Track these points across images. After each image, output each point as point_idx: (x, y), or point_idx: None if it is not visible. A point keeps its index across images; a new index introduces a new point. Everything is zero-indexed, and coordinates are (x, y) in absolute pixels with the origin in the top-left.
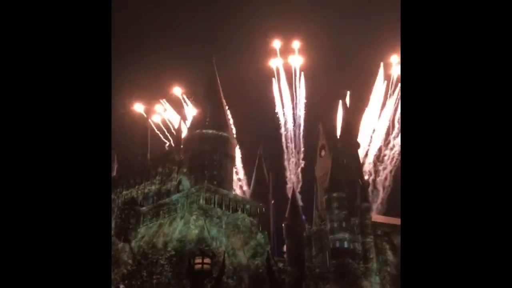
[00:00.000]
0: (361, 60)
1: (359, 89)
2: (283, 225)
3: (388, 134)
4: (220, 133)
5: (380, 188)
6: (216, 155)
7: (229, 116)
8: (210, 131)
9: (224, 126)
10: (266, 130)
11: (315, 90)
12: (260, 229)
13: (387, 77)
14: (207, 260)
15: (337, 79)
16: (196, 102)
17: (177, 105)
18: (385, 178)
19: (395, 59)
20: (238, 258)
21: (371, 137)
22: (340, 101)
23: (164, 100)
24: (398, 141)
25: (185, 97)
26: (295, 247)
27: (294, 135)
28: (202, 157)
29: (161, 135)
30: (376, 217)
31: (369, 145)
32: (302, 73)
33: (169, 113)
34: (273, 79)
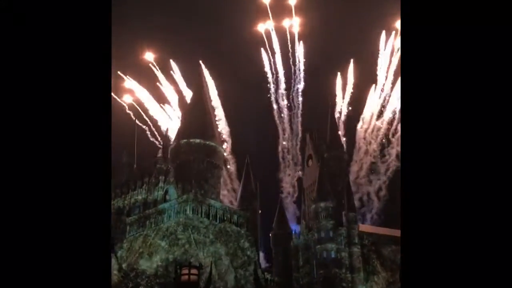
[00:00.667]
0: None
1: (363, 59)
2: (270, 234)
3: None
4: (208, 142)
5: (375, 198)
6: (203, 165)
7: (221, 125)
8: (198, 141)
9: (212, 135)
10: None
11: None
12: (248, 239)
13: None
14: (194, 271)
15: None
16: (183, 109)
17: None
18: (380, 188)
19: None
20: (225, 268)
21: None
22: (329, 111)
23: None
24: (393, 151)
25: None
26: (282, 257)
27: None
28: (189, 166)
29: (150, 135)
30: (363, 227)
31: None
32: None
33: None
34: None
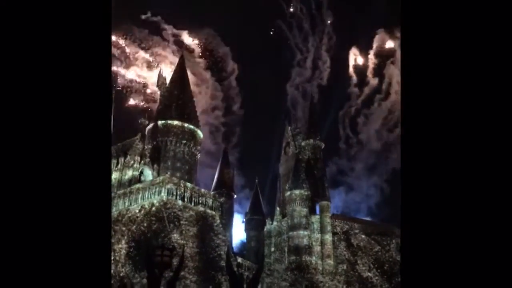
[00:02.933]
0: None
1: None
2: (244, 219)
3: None
4: (186, 125)
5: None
6: (180, 147)
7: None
8: (176, 122)
9: (191, 117)
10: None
11: None
12: (222, 223)
13: None
14: (166, 253)
15: None
16: (163, 89)
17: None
18: None
19: None
20: (197, 251)
21: None
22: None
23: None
24: None
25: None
26: (255, 242)
27: None
28: (166, 148)
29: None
30: (335, 216)
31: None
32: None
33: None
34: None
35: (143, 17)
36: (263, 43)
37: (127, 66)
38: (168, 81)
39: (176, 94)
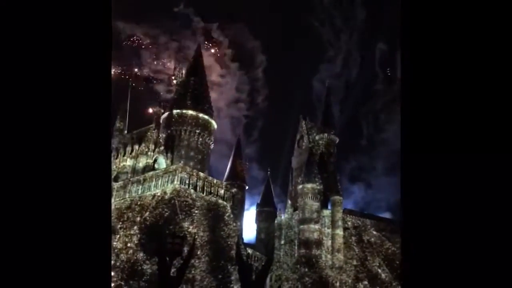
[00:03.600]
0: None
1: None
2: (255, 211)
3: None
4: (201, 115)
5: None
6: (194, 137)
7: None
8: (190, 112)
9: (205, 108)
10: None
11: None
12: (233, 214)
13: None
14: (177, 241)
15: None
16: (179, 78)
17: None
18: None
19: None
20: (208, 240)
21: None
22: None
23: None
24: None
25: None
26: (265, 234)
27: None
28: (180, 137)
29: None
30: (346, 211)
31: None
32: None
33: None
34: None
35: (176, 9)
36: (292, 37)
37: (156, 57)
38: (184, 71)
39: (192, 84)
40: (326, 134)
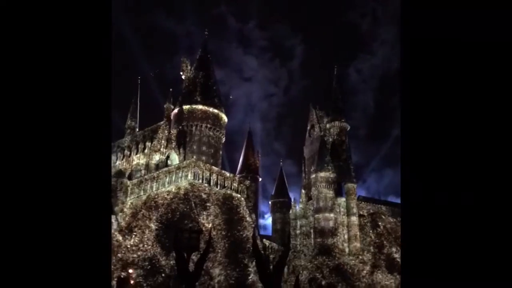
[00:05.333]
0: None
1: None
2: (269, 202)
3: None
4: (211, 109)
5: None
6: (205, 131)
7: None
8: (200, 107)
9: (215, 102)
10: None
11: None
12: (247, 206)
13: None
14: (194, 235)
15: None
16: (187, 74)
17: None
18: None
19: None
20: (224, 233)
21: None
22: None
23: None
24: None
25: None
26: (281, 225)
27: None
28: (191, 132)
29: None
30: (361, 198)
31: None
32: None
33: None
34: None
35: (214, 11)
36: (332, 30)
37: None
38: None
39: (200, 79)
40: (337, 122)
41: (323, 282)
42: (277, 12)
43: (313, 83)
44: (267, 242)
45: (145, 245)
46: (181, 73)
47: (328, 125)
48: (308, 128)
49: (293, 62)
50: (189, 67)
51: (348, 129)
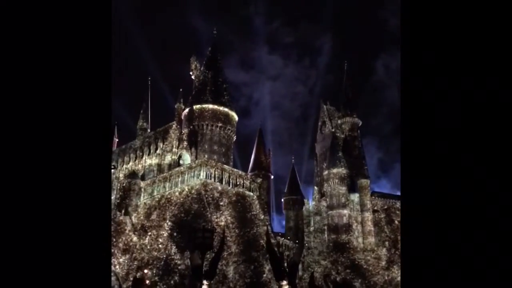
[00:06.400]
0: None
1: None
2: (282, 200)
3: None
4: (221, 108)
5: None
6: (216, 130)
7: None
8: (210, 106)
9: (225, 101)
10: None
11: None
12: (260, 204)
13: None
14: (208, 235)
15: None
16: (197, 73)
17: None
18: None
19: None
20: (238, 232)
21: None
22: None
23: None
24: None
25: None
26: (294, 222)
27: None
28: (202, 132)
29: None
30: (375, 193)
31: None
32: None
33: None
34: None
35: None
36: (359, 25)
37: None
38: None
39: (210, 78)
40: (348, 118)
41: (338, 279)
42: (303, 10)
43: (338, 81)
44: (281, 239)
45: (160, 245)
46: (190, 72)
47: (339, 121)
48: (319, 124)
49: (320, 60)
50: (198, 66)
51: (360, 124)
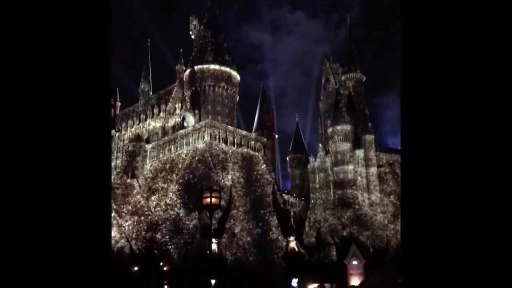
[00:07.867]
0: None
1: None
2: (287, 158)
3: None
4: (222, 68)
5: None
6: (219, 91)
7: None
8: (212, 66)
9: (226, 60)
10: None
11: None
12: (265, 163)
13: None
14: (215, 194)
15: None
16: (196, 34)
17: None
18: None
19: None
20: (244, 191)
21: None
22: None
23: None
24: None
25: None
26: (300, 179)
27: None
28: (205, 92)
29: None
30: (380, 149)
31: None
32: None
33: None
34: None
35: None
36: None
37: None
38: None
39: (210, 39)
40: (352, 74)
41: (344, 233)
42: None
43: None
44: (287, 197)
45: (167, 206)
46: (190, 32)
47: (343, 77)
48: (323, 81)
49: (343, 18)
50: (197, 26)
51: (364, 79)
